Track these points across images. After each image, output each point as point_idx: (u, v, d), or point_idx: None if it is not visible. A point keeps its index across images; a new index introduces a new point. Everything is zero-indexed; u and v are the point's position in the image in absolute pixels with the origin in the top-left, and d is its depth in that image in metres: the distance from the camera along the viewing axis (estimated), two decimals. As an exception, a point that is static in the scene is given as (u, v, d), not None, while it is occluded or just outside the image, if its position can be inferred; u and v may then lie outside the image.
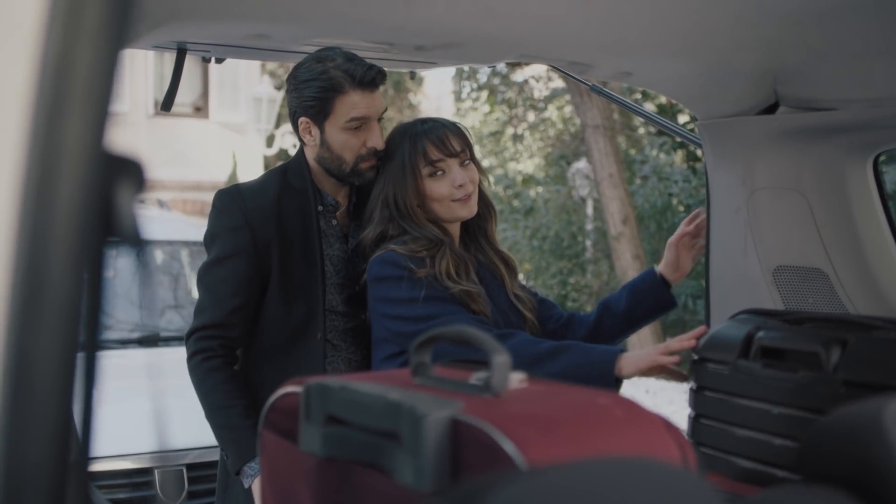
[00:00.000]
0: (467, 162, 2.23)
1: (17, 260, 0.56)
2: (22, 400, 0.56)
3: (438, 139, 2.20)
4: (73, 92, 0.56)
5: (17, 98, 0.56)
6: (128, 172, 0.60)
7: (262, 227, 2.22)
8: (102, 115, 0.57)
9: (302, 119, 2.22)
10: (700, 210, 2.46)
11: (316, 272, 2.24)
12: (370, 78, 2.16)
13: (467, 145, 2.25)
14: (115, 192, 0.59)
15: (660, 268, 2.40)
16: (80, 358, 0.59)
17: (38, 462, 0.55)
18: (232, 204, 2.25)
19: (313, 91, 2.17)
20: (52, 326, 0.56)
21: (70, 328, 0.57)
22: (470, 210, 2.24)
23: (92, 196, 0.57)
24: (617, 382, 1.99)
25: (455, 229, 2.29)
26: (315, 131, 2.22)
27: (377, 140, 2.22)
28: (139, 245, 0.61)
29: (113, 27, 0.57)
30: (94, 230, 0.57)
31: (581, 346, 2.10)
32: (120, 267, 3.47)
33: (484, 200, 2.31)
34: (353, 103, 2.17)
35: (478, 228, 2.34)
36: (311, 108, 2.19)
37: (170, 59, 2.39)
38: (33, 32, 0.56)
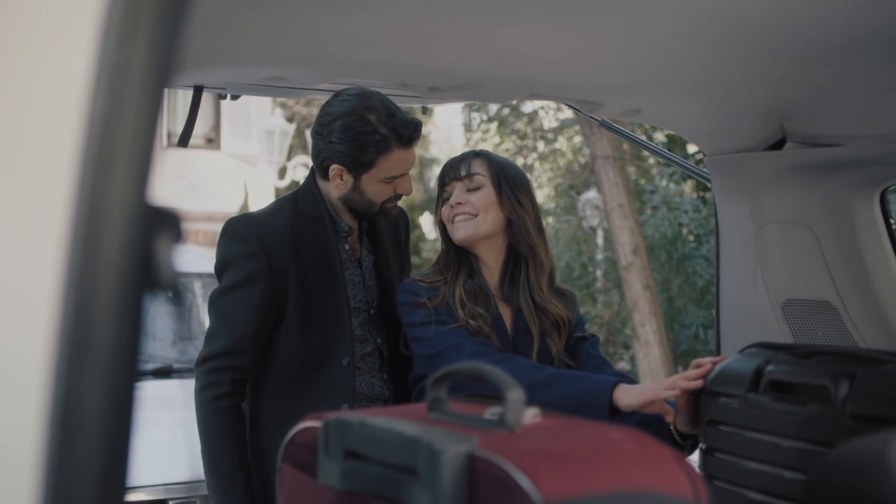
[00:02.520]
0: (475, 188, 2.24)
1: (66, 305, 0.60)
2: (69, 435, 0.59)
3: (450, 165, 2.30)
4: (118, 151, 0.60)
5: (67, 158, 0.60)
6: (167, 223, 0.64)
7: (277, 254, 2.20)
8: (145, 172, 0.61)
9: (335, 167, 2.20)
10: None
11: (341, 299, 2.24)
12: (415, 135, 2.18)
13: (482, 171, 2.25)
14: (156, 242, 0.63)
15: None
16: (121, 395, 0.63)
17: (84, 493, 0.59)
18: (246, 230, 2.22)
19: (355, 147, 2.16)
20: (97, 366, 0.60)
21: (114, 368, 0.60)
22: (463, 234, 2.23)
23: (134, 247, 0.61)
24: (613, 413, 1.95)
25: (489, 260, 2.29)
26: (348, 178, 2.21)
27: (408, 188, 2.26)
28: (176, 290, 0.65)
29: (154, 90, 0.61)
30: (136, 278, 0.61)
31: (578, 374, 2.10)
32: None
33: (525, 242, 2.26)
34: (395, 161, 2.18)
35: (517, 272, 2.29)
36: (349, 162, 2.18)
37: (182, 92, 2.42)
38: (81, 97, 0.61)
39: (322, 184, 2.30)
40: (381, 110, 2.16)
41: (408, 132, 2.17)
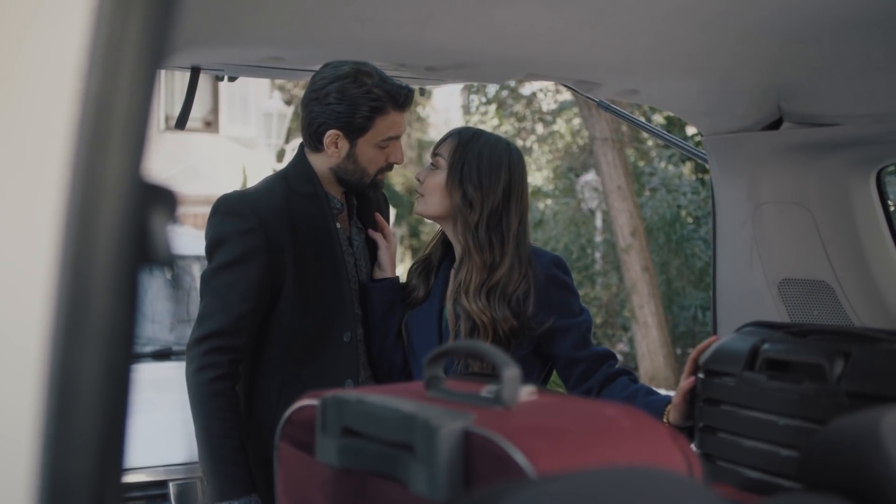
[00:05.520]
0: (433, 166, 2.26)
1: (61, 282, 0.60)
2: (66, 412, 0.60)
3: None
4: (113, 128, 0.61)
5: (62, 133, 0.61)
6: (162, 200, 0.64)
7: (275, 230, 2.16)
8: (139, 148, 0.61)
9: (332, 132, 2.20)
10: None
11: (342, 275, 2.23)
12: (410, 99, 2.22)
13: (444, 154, 2.24)
14: (151, 219, 0.63)
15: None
16: (118, 371, 0.63)
17: (81, 470, 0.60)
18: (242, 206, 2.18)
19: (353, 107, 2.17)
20: (93, 343, 0.60)
21: (110, 345, 0.61)
22: (414, 210, 2.33)
23: (130, 223, 0.61)
24: None
25: (454, 244, 2.28)
26: (343, 144, 2.22)
27: (399, 156, 2.27)
28: (172, 267, 0.65)
29: (148, 67, 0.61)
30: (131, 255, 0.61)
31: None
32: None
33: (459, 237, 2.23)
34: (391, 123, 2.21)
35: (462, 265, 2.24)
36: (348, 123, 2.19)
37: (180, 75, 2.41)
38: (75, 73, 0.61)
39: (313, 158, 2.28)
40: (375, 74, 2.19)
41: (402, 94, 2.20)
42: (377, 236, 2.37)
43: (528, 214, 2.28)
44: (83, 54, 0.61)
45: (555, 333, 2.20)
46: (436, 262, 2.33)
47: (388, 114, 2.19)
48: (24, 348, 0.61)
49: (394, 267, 2.39)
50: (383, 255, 2.36)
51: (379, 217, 2.41)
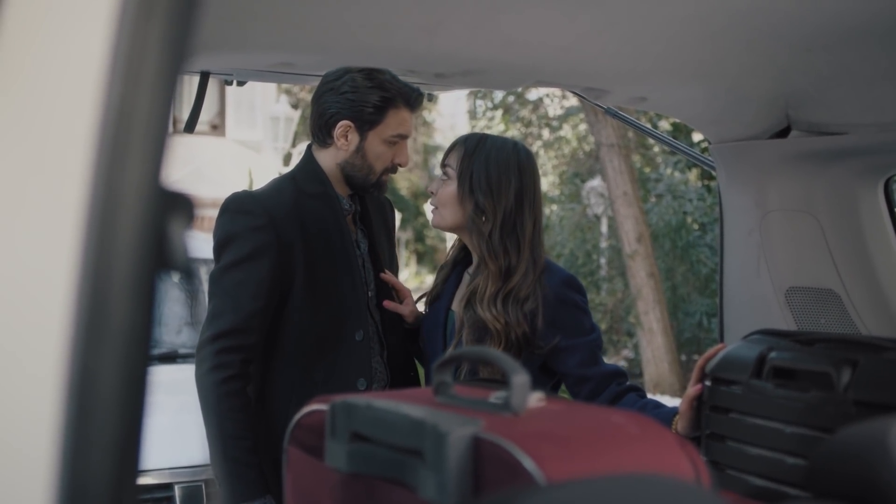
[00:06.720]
0: (444, 177, 2.26)
1: (81, 286, 0.61)
2: (85, 416, 0.61)
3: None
4: (133, 134, 0.62)
5: (83, 139, 0.62)
6: (179, 207, 0.65)
7: (285, 227, 2.15)
8: (159, 154, 0.62)
9: (343, 122, 2.21)
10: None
11: (355, 274, 2.23)
12: (420, 101, 2.26)
13: (453, 164, 2.23)
14: (169, 226, 0.64)
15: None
16: (136, 376, 0.64)
17: (99, 473, 0.60)
18: (253, 204, 2.17)
19: (365, 97, 2.19)
20: (112, 347, 0.61)
21: (129, 349, 0.62)
22: (432, 222, 2.33)
23: (149, 229, 0.62)
24: None
25: (472, 250, 2.30)
26: (353, 137, 2.23)
27: (405, 158, 2.29)
28: (188, 273, 0.66)
29: (169, 74, 0.62)
30: (150, 260, 0.62)
31: None
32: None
33: (475, 247, 2.23)
34: (402, 119, 2.23)
35: (478, 271, 2.23)
36: (360, 113, 2.20)
37: (187, 79, 2.42)
38: (97, 79, 0.62)
39: (321, 155, 2.29)
40: (388, 73, 2.23)
41: (413, 94, 2.23)
42: (394, 306, 2.35)
43: (542, 216, 2.25)
44: (105, 61, 0.62)
45: (560, 352, 2.18)
46: (452, 262, 2.36)
47: (399, 109, 2.22)
48: (44, 352, 0.62)
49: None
50: (410, 312, 2.38)
51: (392, 278, 2.39)
